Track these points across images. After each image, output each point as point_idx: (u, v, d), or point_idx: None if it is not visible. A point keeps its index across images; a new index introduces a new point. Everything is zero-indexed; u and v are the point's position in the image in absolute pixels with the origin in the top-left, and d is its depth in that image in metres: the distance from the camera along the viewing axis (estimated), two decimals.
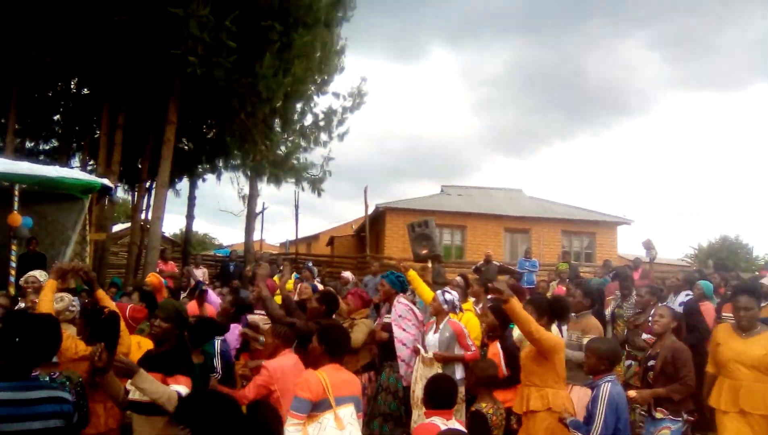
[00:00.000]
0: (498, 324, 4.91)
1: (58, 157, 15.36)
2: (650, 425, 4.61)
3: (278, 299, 6.06)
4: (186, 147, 17.33)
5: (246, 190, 18.95)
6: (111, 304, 4.27)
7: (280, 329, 4.09)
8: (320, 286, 10.15)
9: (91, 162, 15.67)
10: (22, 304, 5.47)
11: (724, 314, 6.22)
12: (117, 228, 23.66)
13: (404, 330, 5.54)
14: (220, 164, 17.89)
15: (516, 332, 5.33)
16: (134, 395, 3.22)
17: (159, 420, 3.10)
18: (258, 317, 6.08)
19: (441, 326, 5.25)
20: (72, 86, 16.03)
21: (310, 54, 13.62)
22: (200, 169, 18.39)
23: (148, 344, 4.40)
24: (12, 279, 8.51)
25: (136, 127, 14.62)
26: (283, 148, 16.88)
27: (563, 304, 4.97)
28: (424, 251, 11.20)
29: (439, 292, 5.43)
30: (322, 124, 16.80)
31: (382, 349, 5.70)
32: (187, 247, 19.61)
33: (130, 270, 15.07)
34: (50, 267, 8.64)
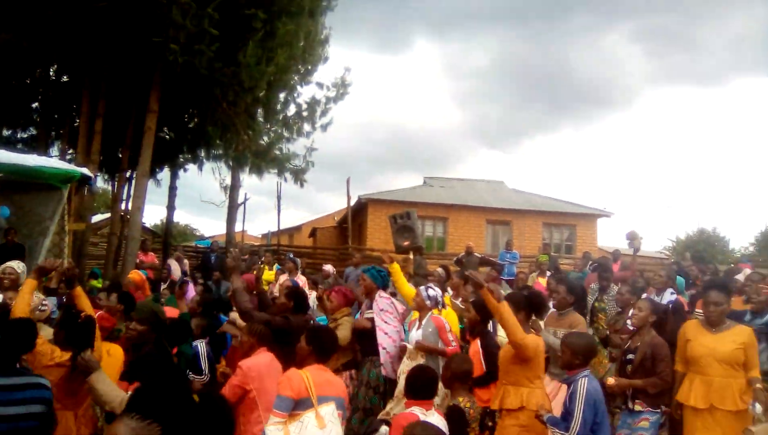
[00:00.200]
0: (479, 319, 4.94)
1: (37, 145, 15.06)
2: (627, 417, 4.65)
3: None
4: (167, 136, 17.09)
5: (228, 181, 18.81)
6: (87, 304, 4.21)
7: (256, 327, 4.05)
8: (303, 279, 10.17)
9: (71, 151, 15.38)
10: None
11: (696, 310, 6.29)
12: (96, 218, 23.33)
13: (386, 322, 5.56)
14: (202, 154, 17.68)
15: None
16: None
17: None
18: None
19: (424, 322, 5.28)
20: (51, 73, 15.71)
21: (293, 43, 13.50)
22: (181, 159, 18.14)
23: (118, 352, 4.35)
24: None
25: (116, 116, 14.38)
26: (265, 138, 16.74)
27: (540, 299, 4.98)
28: (406, 243, 11.24)
29: (422, 287, 5.44)
30: (305, 114, 16.68)
31: (363, 345, 5.70)
32: (167, 238, 19.43)
33: (109, 261, 14.89)
34: (28, 258, 8.56)
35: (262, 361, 3.89)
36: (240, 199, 19.65)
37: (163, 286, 10.52)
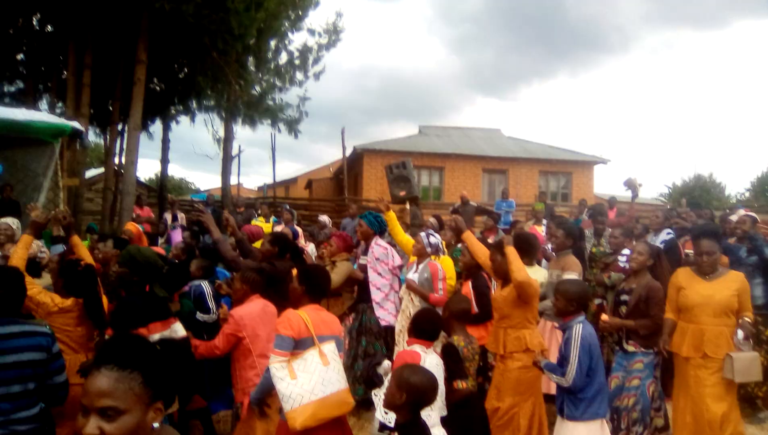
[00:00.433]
0: (474, 263, 4.97)
1: (25, 99, 14.78)
2: (622, 359, 4.70)
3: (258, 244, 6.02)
4: (157, 87, 16.81)
5: (221, 133, 18.61)
6: (85, 252, 4.21)
7: (248, 275, 4.07)
8: (299, 230, 10.16)
9: (60, 104, 15.13)
10: None
11: (687, 250, 6.35)
12: (90, 173, 23.17)
13: (379, 274, 5.58)
14: (194, 105, 17.45)
15: (540, 275, 5.40)
16: None
17: None
18: None
19: (421, 267, 5.31)
20: (34, 23, 15.30)
21: None
22: (173, 111, 17.90)
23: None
24: None
25: (105, 67, 14.08)
26: (257, 87, 16.51)
27: (529, 241, 5.01)
28: (402, 193, 11.22)
29: (423, 234, 5.46)
30: (297, 62, 16.42)
31: (361, 291, 5.75)
32: (162, 191, 19.34)
33: (105, 216, 14.86)
34: (24, 214, 8.51)
35: (254, 309, 3.93)
36: (234, 152, 19.48)
37: (161, 240, 10.52)
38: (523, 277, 4.05)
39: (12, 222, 5.63)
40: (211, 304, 4.77)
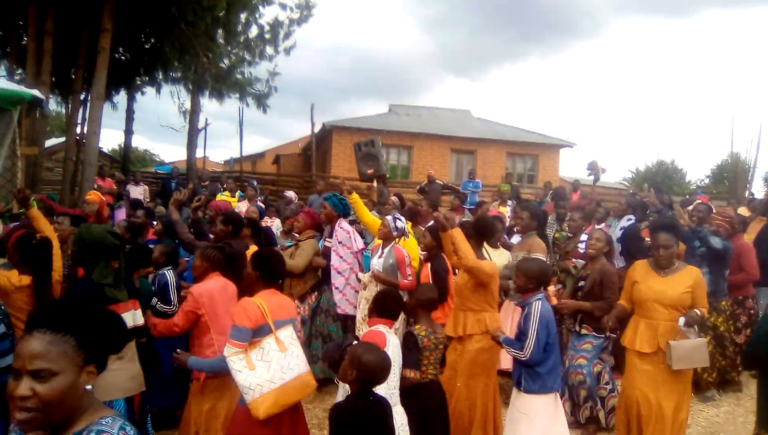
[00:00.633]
0: (435, 245, 5.05)
1: None
2: (575, 340, 4.97)
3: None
4: (123, 57, 16.39)
5: (187, 105, 18.29)
6: (45, 225, 4.14)
7: (209, 252, 4.05)
8: (263, 207, 10.12)
9: (19, 71, 14.65)
10: None
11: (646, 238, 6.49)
12: (51, 142, 22.56)
13: (341, 258, 5.63)
14: (160, 76, 17.06)
15: (503, 258, 5.50)
16: None
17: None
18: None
19: (386, 252, 5.34)
20: None
21: None
22: (138, 82, 17.50)
23: None
24: None
25: (67, 34, 13.63)
26: (226, 61, 16.23)
27: (488, 224, 5.10)
28: (370, 171, 11.21)
29: (389, 217, 5.46)
30: (267, 36, 16.17)
31: (325, 273, 5.79)
32: (126, 163, 18.98)
33: (66, 186, 14.53)
34: None
35: (213, 286, 3.93)
36: (200, 125, 19.19)
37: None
38: (469, 263, 4.14)
39: None
40: (173, 295, 4.65)
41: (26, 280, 3.60)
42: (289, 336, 3.20)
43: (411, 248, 5.64)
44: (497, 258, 5.31)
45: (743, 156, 18.78)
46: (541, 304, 3.77)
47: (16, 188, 4.08)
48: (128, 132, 18.67)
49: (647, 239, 6.16)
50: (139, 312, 3.61)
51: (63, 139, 19.29)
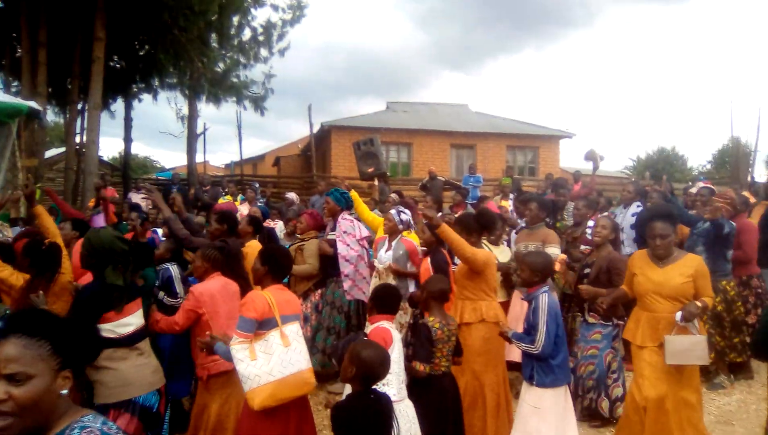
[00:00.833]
0: (435, 240, 5.05)
1: None
2: (585, 330, 4.92)
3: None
4: (118, 65, 16.40)
5: (185, 111, 18.32)
6: (49, 222, 4.19)
7: (209, 253, 4.06)
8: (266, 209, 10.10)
9: (15, 83, 14.66)
10: None
11: None
12: (51, 153, 22.59)
13: (348, 246, 5.62)
14: (156, 83, 17.09)
15: (505, 255, 5.49)
16: None
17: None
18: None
19: (394, 244, 5.37)
20: None
21: None
22: (135, 89, 17.52)
23: None
24: None
25: (61, 45, 13.65)
26: (221, 64, 16.24)
27: (489, 217, 5.11)
28: (371, 169, 11.19)
29: (393, 211, 5.50)
30: (261, 38, 16.17)
31: (328, 265, 5.79)
32: (126, 171, 18.99)
33: (67, 196, 14.53)
34: None
35: (214, 286, 3.93)
36: (199, 129, 19.20)
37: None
38: (466, 254, 4.16)
39: None
40: (179, 288, 4.68)
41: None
42: (294, 332, 3.23)
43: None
44: (500, 256, 5.31)
45: (744, 140, 18.76)
46: (548, 297, 3.74)
47: (22, 183, 4.11)
48: (127, 139, 18.69)
49: None
50: (141, 311, 3.63)
51: (63, 149, 19.31)
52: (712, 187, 7.82)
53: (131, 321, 3.33)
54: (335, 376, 5.44)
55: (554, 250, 5.28)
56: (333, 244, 5.72)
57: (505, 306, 5.36)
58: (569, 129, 24.03)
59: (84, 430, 1.49)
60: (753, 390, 5.69)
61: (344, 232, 5.66)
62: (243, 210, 9.36)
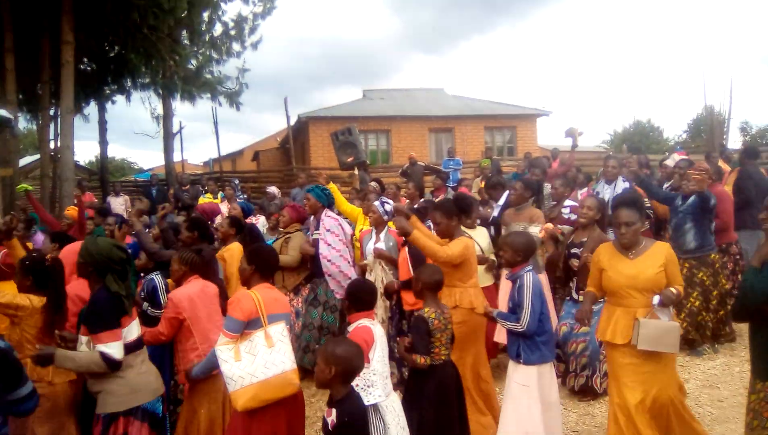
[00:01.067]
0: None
1: None
2: (571, 307, 4.90)
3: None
4: (89, 68, 16.15)
5: (159, 110, 18.12)
6: (21, 252, 4.12)
7: (186, 256, 4.05)
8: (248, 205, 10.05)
9: None
10: None
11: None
12: (25, 160, 22.28)
13: (330, 245, 5.64)
14: (128, 84, 16.84)
15: (481, 240, 5.52)
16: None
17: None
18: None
19: (382, 235, 5.40)
20: None
21: None
22: (107, 91, 17.26)
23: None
24: None
25: (29, 50, 13.41)
26: (193, 62, 16.06)
27: (467, 201, 5.17)
28: (350, 159, 11.22)
29: (377, 203, 5.50)
30: (233, 33, 16.01)
31: (317, 266, 5.76)
32: (104, 174, 18.79)
33: (45, 204, 14.35)
34: None
35: (191, 290, 3.94)
36: (175, 128, 19.01)
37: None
38: (439, 258, 4.21)
39: None
40: (163, 298, 4.59)
41: (44, 300, 3.58)
42: (279, 332, 3.20)
43: None
44: (477, 237, 5.35)
45: (718, 108, 18.98)
46: (532, 275, 3.80)
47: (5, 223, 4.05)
48: (103, 142, 18.48)
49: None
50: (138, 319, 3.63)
51: (37, 156, 19.04)
52: (689, 158, 7.89)
53: (133, 328, 3.33)
54: None
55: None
56: (315, 244, 5.72)
57: (493, 290, 5.42)
58: (546, 107, 24.25)
59: None
60: (736, 353, 5.80)
61: (327, 231, 5.65)
62: (223, 208, 9.31)
